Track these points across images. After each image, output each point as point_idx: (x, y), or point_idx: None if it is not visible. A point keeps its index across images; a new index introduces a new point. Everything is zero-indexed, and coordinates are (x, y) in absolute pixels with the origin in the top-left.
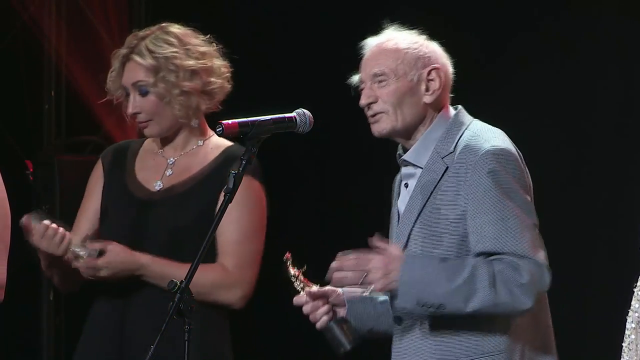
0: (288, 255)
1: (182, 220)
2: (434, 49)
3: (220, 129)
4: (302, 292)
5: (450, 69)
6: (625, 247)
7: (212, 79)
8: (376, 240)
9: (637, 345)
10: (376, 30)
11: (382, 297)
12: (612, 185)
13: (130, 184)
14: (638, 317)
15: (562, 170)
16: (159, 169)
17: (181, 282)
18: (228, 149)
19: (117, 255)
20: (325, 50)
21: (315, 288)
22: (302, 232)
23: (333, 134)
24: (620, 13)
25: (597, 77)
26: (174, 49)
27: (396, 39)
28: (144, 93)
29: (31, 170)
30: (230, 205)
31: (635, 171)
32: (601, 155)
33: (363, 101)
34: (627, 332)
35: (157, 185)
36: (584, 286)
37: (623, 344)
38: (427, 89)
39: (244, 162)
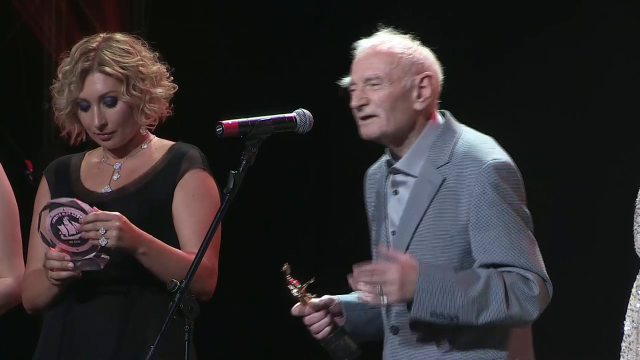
0: (286, 265)
1: (135, 218)
2: (427, 56)
3: (220, 129)
4: (301, 303)
5: (440, 76)
6: (623, 246)
7: (168, 84)
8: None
9: (637, 346)
10: (374, 30)
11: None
12: (611, 184)
13: (79, 193)
14: (638, 316)
15: (560, 170)
16: (105, 175)
17: (181, 282)
18: (174, 146)
19: (127, 223)
20: (325, 50)
21: (315, 299)
22: (298, 240)
23: (333, 133)
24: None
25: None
26: (137, 57)
27: (391, 42)
28: (111, 104)
29: (31, 170)
30: (185, 198)
31: (634, 171)
32: (600, 155)
33: (354, 103)
34: (626, 331)
35: (106, 189)
36: (583, 286)
37: (622, 344)
38: (418, 96)
39: (244, 162)
